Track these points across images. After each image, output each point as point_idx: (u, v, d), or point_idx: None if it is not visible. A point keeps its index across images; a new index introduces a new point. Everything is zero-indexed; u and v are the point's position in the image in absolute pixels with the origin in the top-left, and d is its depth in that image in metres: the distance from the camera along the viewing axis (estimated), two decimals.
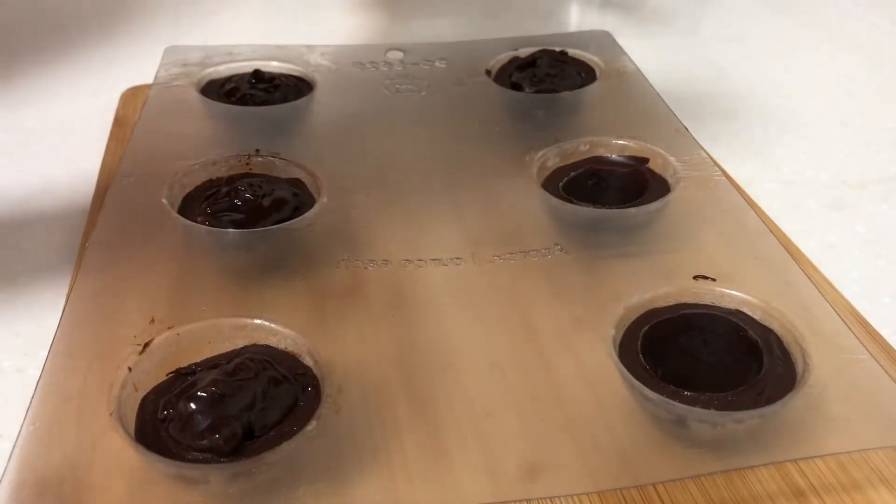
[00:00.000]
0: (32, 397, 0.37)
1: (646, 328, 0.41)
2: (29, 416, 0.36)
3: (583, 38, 0.72)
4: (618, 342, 0.41)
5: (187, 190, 0.51)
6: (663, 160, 0.54)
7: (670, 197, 0.51)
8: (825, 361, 0.39)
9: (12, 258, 0.52)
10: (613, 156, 0.55)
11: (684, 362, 0.39)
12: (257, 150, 0.54)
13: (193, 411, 0.35)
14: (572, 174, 0.53)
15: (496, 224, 0.50)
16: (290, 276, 0.46)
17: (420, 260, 0.47)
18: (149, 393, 0.37)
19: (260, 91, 0.61)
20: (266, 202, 0.49)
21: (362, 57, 0.68)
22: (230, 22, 0.85)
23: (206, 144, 0.55)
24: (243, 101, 0.61)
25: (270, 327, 0.41)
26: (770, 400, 0.37)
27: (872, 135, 0.68)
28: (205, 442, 0.34)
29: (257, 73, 0.62)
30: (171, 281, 0.45)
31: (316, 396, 0.37)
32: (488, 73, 0.66)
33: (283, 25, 0.85)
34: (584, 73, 0.65)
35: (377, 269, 0.46)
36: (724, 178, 0.54)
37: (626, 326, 0.42)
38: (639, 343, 0.40)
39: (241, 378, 0.36)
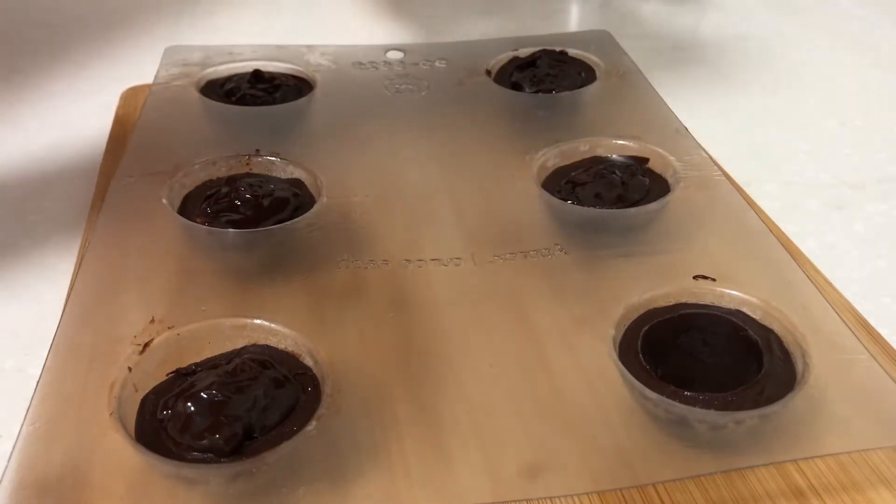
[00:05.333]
0: (32, 397, 0.37)
1: (646, 328, 0.41)
2: (29, 416, 0.36)
3: (583, 38, 0.72)
4: (618, 342, 0.41)
5: (187, 190, 0.51)
6: (663, 160, 0.54)
7: (670, 197, 0.51)
8: (825, 361, 0.39)
9: (12, 258, 0.52)
10: (613, 156, 0.55)
11: (684, 362, 0.39)
12: (257, 150, 0.54)
13: (193, 411, 0.35)
14: (572, 174, 0.53)
15: (496, 224, 0.50)
16: (290, 276, 0.46)
17: (420, 260, 0.47)
18: (149, 393, 0.37)
19: (260, 91, 0.61)
20: (266, 202, 0.49)
21: (362, 57, 0.68)
22: (230, 22, 0.85)
23: (206, 144, 0.55)
24: (243, 101, 0.61)
25: (270, 327, 0.41)
26: (770, 400, 0.37)
27: (872, 135, 0.68)
28: (205, 442, 0.34)
29: (257, 73, 0.62)
30: (171, 281, 0.45)
31: (316, 396, 0.37)
32: (488, 73, 0.66)
33: (283, 25, 0.85)
34: (584, 73, 0.65)
35: (377, 269, 0.46)
36: (724, 178, 0.54)
37: (626, 326, 0.42)
38: (639, 343, 0.40)
39: (241, 378, 0.36)
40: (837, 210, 0.58)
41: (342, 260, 0.47)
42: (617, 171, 0.52)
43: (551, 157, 0.55)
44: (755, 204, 0.55)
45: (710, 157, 0.55)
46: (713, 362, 0.39)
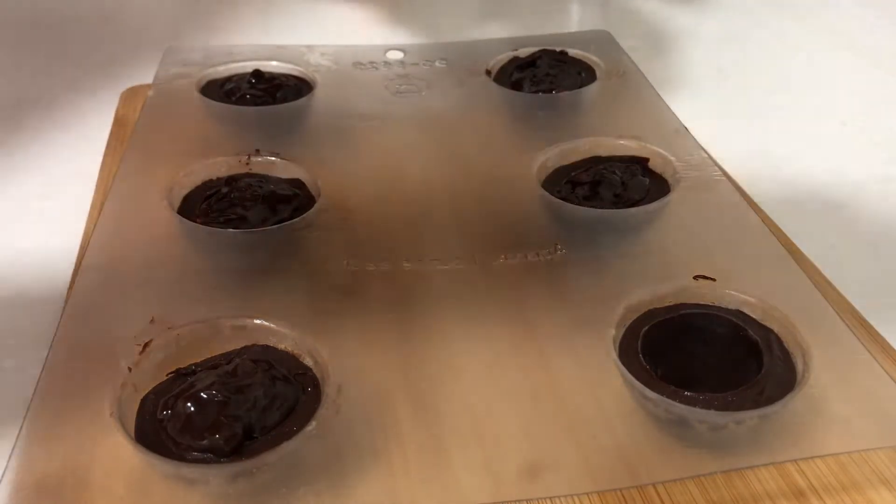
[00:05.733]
0: (32, 397, 0.37)
1: (646, 328, 0.41)
2: (29, 416, 0.36)
3: (583, 38, 0.72)
4: (618, 342, 0.41)
5: (187, 190, 0.51)
6: (663, 160, 0.54)
7: (670, 197, 0.51)
8: (825, 361, 0.39)
9: (12, 258, 0.52)
10: (614, 156, 0.55)
11: (684, 362, 0.39)
12: (257, 150, 0.54)
13: (193, 412, 0.35)
14: (572, 174, 0.53)
15: (496, 224, 0.50)
16: (290, 276, 0.46)
17: (420, 260, 0.47)
18: (149, 393, 0.37)
19: (260, 91, 0.61)
20: (266, 202, 0.49)
21: (362, 57, 0.68)
22: (230, 22, 0.85)
23: (206, 144, 0.55)
24: (243, 100, 0.61)
25: (270, 327, 0.41)
26: (770, 400, 0.37)
27: (872, 135, 0.68)
28: (205, 442, 0.34)
29: (257, 73, 0.62)
30: (171, 281, 0.45)
31: (316, 397, 0.38)
32: (488, 73, 0.66)
33: (283, 25, 0.85)
34: (584, 73, 0.65)
35: (377, 270, 0.46)
36: (724, 178, 0.54)
37: (627, 326, 0.42)
38: (639, 343, 0.40)
39: (241, 378, 0.36)
40: (837, 210, 0.58)
41: (342, 260, 0.47)
42: (617, 171, 0.52)
43: (551, 157, 0.55)
44: (755, 204, 0.55)
45: (710, 157, 0.55)
46: (713, 362, 0.39)
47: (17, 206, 0.56)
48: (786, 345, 0.40)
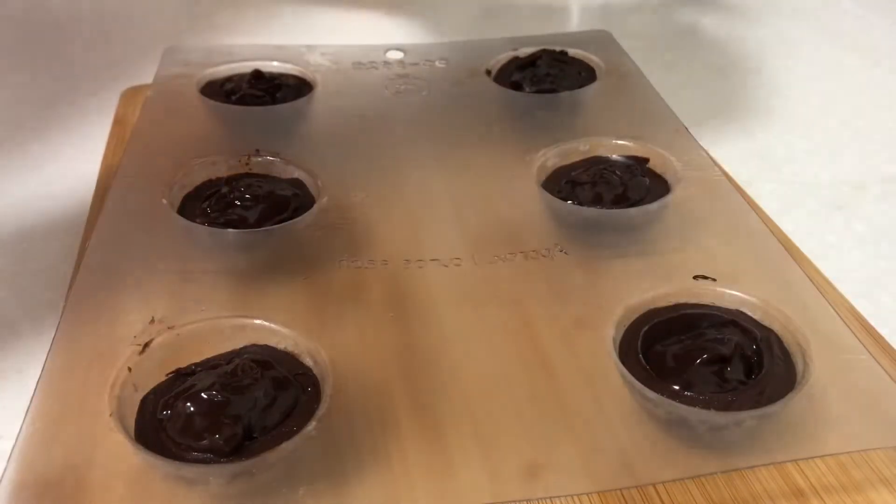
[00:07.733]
0: (32, 397, 0.37)
1: (646, 328, 0.41)
2: (29, 416, 0.36)
3: (583, 38, 0.72)
4: (618, 342, 0.40)
5: (187, 190, 0.51)
6: (663, 160, 0.54)
7: (670, 197, 0.51)
8: (825, 361, 0.39)
9: (12, 258, 0.52)
10: (613, 156, 0.55)
11: (684, 363, 0.39)
12: (257, 150, 0.54)
13: (193, 412, 0.35)
14: (572, 174, 0.53)
15: (496, 224, 0.50)
16: (290, 276, 0.46)
17: (420, 260, 0.47)
18: (148, 393, 0.37)
19: (260, 91, 0.61)
20: (266, 202, 0.49)
21: (362, 57, 0.68)
22: (230, 22, 0.85)
23: (206, 144, 0.55)
24: (243, 100, 0.61)
25: (270, 327, 0.41)
26: (770, 400, 0.37)
27: (872, 135, 0.68)
28: (205, 442, 0.34)
29: (257, 73, 0.62)
30: (171, 281, 0.45)
31: (316, 397, 0.37)
32: (488, 73, 0.66)
33: (283, 25, 0.85)
34: (584, 73, 0.65)
35: (377, 270, 0.46)
36: (724, 178, 0.54)
37: (627, 326, 0.41)
38: (639, 343, 0.40)
39: (241, 379, 0.36)
40: (837, 210, 0.58)
41: (342, 260, 0.47)
42: (617, 171, 0.52)
43: (551, 157, 0.55)
44: (755, 204, 0.55)
45: (710, 157, 0.55)
46: (713, 362, 0.39)
47: (18, 206, 0.56)
48: (786, 345, 0.40)
